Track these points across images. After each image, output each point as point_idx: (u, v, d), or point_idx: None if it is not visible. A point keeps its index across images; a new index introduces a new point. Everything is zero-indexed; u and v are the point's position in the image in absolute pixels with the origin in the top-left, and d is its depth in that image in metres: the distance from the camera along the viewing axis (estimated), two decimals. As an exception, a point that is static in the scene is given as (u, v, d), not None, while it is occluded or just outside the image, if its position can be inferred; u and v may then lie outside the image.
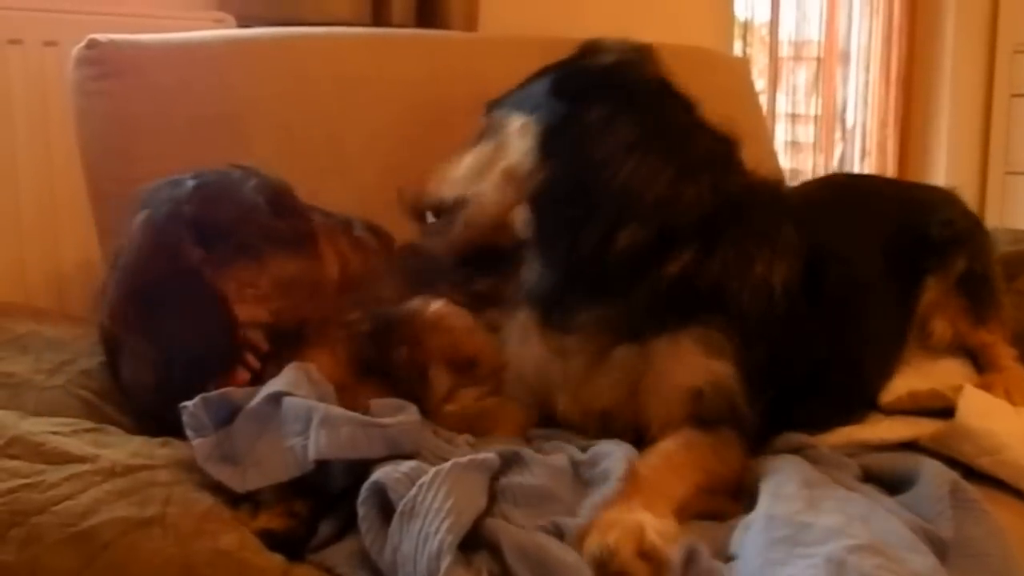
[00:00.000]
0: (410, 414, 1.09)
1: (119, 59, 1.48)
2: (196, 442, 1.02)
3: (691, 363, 1.25)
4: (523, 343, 1.35)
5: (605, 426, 1.29)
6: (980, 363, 1.65)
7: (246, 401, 1.06)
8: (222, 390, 1.08)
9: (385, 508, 0.95)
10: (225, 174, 1.26)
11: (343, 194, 1.67)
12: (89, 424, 1.07)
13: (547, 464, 1.11)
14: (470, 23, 2.32)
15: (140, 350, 1.18)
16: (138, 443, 1.04)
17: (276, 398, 1.05)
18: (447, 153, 1.79)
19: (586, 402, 1.30)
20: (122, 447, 1.00)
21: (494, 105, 1.45)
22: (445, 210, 1.42)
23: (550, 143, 1.32)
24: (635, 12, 2.83)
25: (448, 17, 2.27)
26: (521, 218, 1.34)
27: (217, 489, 0.98)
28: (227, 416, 1.06)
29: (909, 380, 1.49)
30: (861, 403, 1.48)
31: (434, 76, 1.87)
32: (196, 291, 1.17)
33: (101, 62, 1.47)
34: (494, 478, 1.03)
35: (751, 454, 1.25)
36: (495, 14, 2.41)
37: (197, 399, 1.06)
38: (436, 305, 1.37)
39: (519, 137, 1.35)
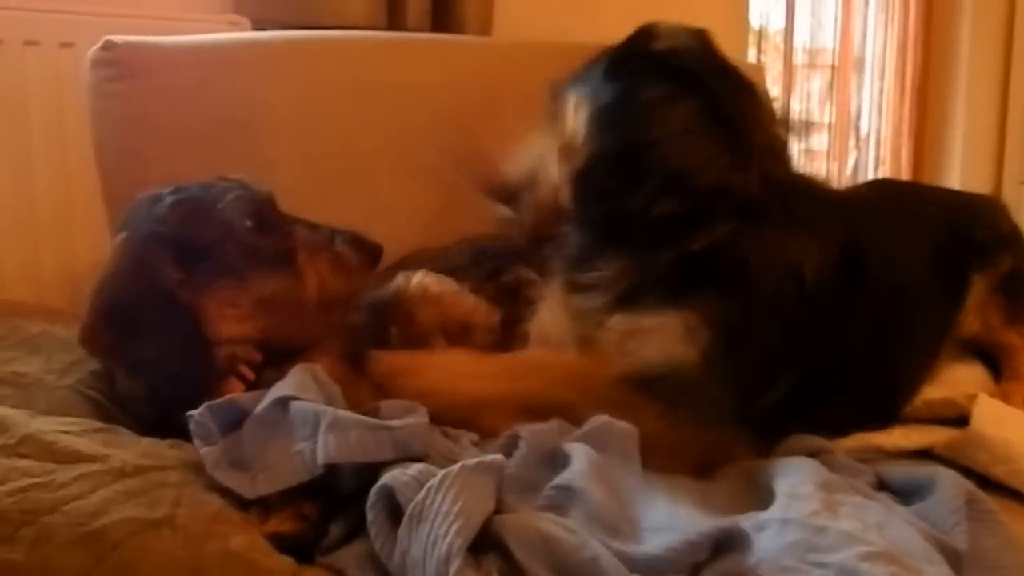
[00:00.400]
0: (419, 415, 1.09)
1: (134, 61, 1.48)
2: (204, 451, 1.02)
3: (660, 343, 1.25)
4: (550, 311, 1.37)
5: None
6: (1000, 367, 1.64)
7: (253, 406, 1.06)
8: (228, 396, 1.08)
9: (394, 511, 0.94)
10: (205, 188, 1.25)
11: (357, 198, 1.68)
12: (99, 424, 1.07)
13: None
14: (484, 27, 2.32)
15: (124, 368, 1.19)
16: (148, 443, 1.04)
17: (283, 402, 1.05)
18: (460, 157, 1.80)
19: None
20: (132, 447, 1.00)
21: (557, 89, 1.46)
22: (514, 190, 1.47)
23: (602, 119, 1.34)
24: (650, 18, 2.82)
25: (463, 21, 2.27)
26: (566, 188, 1.36)
27: (226, 491, 0.98)
28: (235, 421, 1.06)
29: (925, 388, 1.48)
30: (890, 409, 1.46)
31: (449, 81, 1.87)
32: (174, 314, 1.16)
33: (116, 64, 1.47)
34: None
35: (736, 442, 1.24)
36: (510, 18, 2.41)
37: (203, 407, 1.05)
38: (418, 277, 1.37)
39: (573, 113, 1.38)
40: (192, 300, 1.17)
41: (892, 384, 1.48)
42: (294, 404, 1.04)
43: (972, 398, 1.39)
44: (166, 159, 1.49)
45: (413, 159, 1.77)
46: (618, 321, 1.28)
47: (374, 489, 0.96)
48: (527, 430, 1.13)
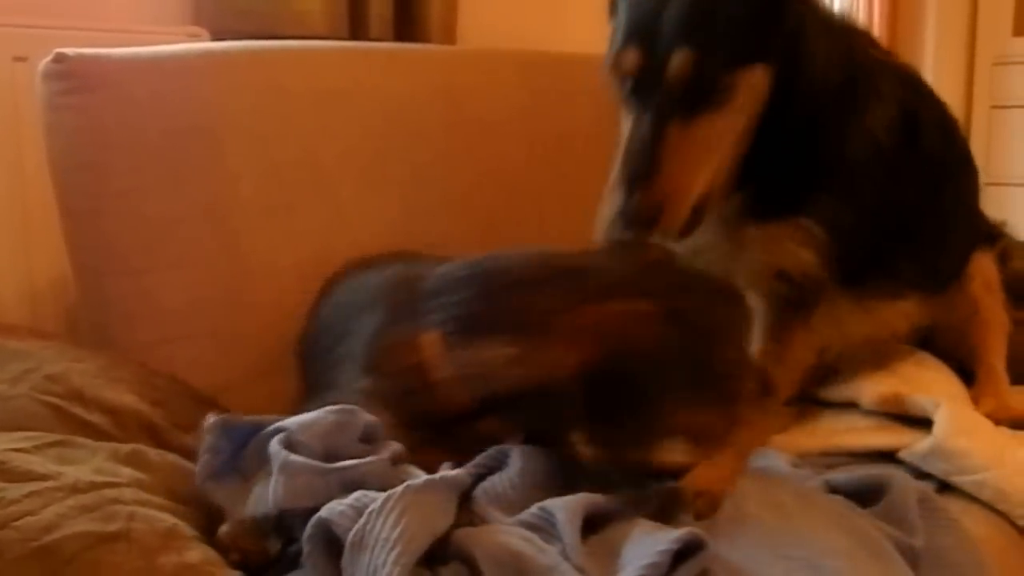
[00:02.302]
0: (382, 450, 1.06)
1: (87, 73, 1.46)
2: (200, 461, 1.03)
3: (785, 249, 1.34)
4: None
5: None
6: (975, 362, 1.64)
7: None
8: (253, 418, 1.07)
9: (331, 543, 0.93)
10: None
11: (319, 208, 1.67)
12: (53, 437, 1.05)
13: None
14: (448, 36, 2.31)
15: None
16: (102, 458, 1.02)
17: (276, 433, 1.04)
18: (421, 168, 1.78)
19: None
20: (86, 463, 0.99)
21: None
22: None
23: None
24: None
25: (426, 30, 2.25)
26: None
27: (182, 510, 0.97)
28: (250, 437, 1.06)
29: (894, 385, 1.49)
30: (940, 273, 1.60)
31: (412, 90, 1.86)
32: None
33: (69, 76, 1.45)
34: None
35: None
36: (474, 27, 2.40)
37: (218, 421, 1.05)
38: None
39: None
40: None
41: (945, 245, 1.59)
42: (271, 441, 1.02)
43: (937, 405, 1.37)
44: (123, 171, 1.47)
45: (377, 169, 1.76)
46: (752, 238, 1.34)
47: (311, 522, 0.94)
48: (518, 449, 1.11)
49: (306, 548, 0.93)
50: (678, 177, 1.17)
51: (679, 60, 1.15)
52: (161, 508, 0.96)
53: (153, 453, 1.07)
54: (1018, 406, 1.55)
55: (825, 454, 1.36)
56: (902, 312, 1.59)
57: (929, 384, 1.54)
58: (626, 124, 1.22)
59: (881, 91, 1.39)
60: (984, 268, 1.69)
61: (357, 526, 0.89)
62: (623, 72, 1.21)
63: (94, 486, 0.92)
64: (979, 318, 1.67)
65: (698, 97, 1.17)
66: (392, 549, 0.86)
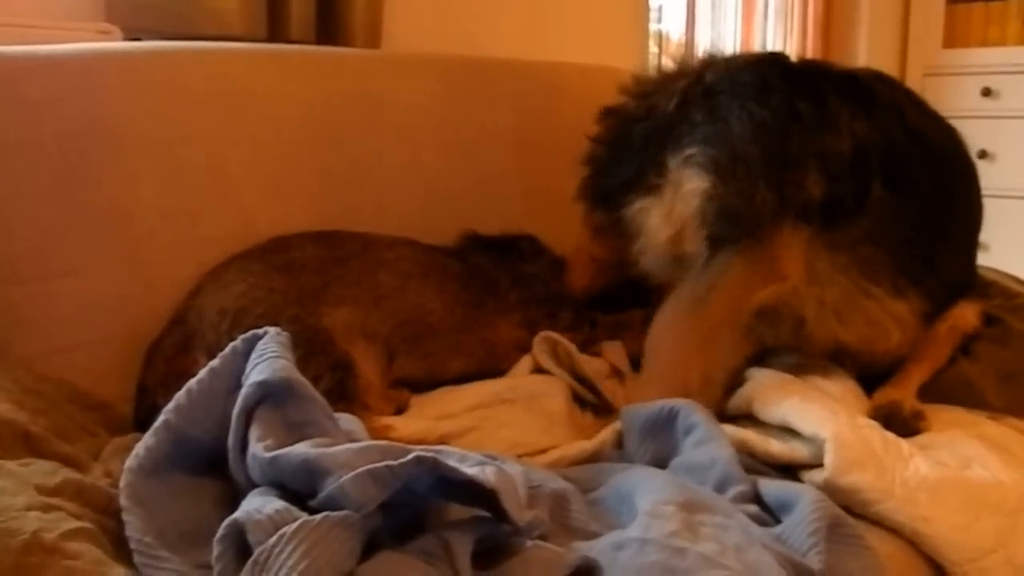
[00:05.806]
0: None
1: (-23, 72, 1.41)
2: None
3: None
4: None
5: None
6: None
7: None
8: None
9: (243, 549, 0.89)
10: None
11: (224, 215, 1.62)
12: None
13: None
14: (373, 39, 2.26)
15: None
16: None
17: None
18: (333, 175, 1.75)
19: None
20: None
21: None
22: None
23: None
24: (547, 29, 2.81)
25: (350, 32, 2.21)
26: None
27: (45, 515, 0.92)
28: None
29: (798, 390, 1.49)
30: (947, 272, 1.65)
31: (325, 94, 1.81)
32: None
33: (-38, 75, 1.40)
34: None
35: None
36: (401, 30, 2.37)
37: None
38: None
39: None
40: None
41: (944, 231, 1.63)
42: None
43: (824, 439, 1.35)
44: (15, 174, 1.42)
45: (285, 176, 1.72)
46: None
47: (226, 522, 0.90)
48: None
49: (217, 549, 0.89)
50: None
51: None
52: (25, 508, 0.90)
53: (12, 464, 1.01)
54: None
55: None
56: (897, 315, 1.58)
57: (840, 396, 1.54)
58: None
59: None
60: (963, 317, 1.69)
61: (266, 545, 0.86)
62: None
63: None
64: (923, 348, 1.67)
65: None
66: None
